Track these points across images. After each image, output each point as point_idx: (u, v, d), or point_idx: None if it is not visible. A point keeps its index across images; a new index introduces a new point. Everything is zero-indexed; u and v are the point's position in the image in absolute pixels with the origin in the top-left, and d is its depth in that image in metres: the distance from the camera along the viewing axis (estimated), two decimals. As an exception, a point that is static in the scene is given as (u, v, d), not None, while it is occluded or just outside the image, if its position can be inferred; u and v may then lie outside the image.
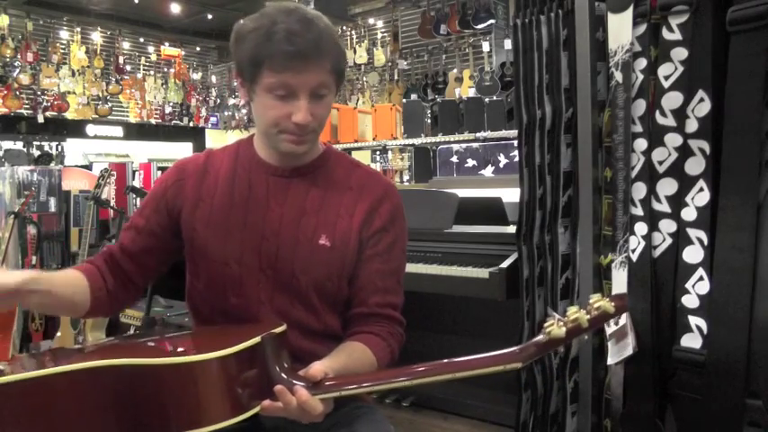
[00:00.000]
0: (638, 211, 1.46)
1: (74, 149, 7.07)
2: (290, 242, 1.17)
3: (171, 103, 8.05)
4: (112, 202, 4.09)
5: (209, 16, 7.52)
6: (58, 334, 2.92)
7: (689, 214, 1.37)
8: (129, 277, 1.25)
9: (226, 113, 8.60)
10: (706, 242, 1.34)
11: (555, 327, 0.92)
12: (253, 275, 1.17)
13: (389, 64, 6.94)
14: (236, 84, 1.21)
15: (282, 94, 1.09)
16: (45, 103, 6.76)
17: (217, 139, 8.47)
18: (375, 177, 1.27)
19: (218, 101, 8.76)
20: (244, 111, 8.08)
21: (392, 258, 1.22)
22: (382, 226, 1.20)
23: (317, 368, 0.97)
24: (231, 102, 8.54)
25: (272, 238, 1.17)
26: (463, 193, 2.61)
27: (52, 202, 4.08)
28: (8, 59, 6.42)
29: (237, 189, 1.21)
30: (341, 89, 1.18)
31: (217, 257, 1.18)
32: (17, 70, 6.49)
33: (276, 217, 1.18)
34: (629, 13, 1.47)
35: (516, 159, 2.92)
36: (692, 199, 1.36)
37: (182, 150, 8.05)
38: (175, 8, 7.12)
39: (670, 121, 1.41)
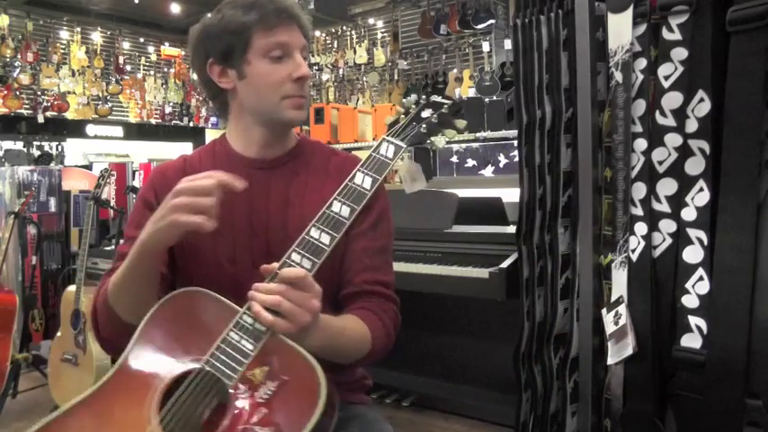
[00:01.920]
0: (638, 211, 1.46)
1: (74, 149, 7.06)
2: (279, 236, 1.15)
3: (171, 103, 8.04)
4: (112, 202, 4.09)
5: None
6: (59, 334, 2.91)
7: (689, 214, 1.37)
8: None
9: (226, 113, 8.57)
10: (706, 242, 1.34)
11: None
12: (247, 273, 1.14)
13: (389, 64, 6.93)
14: (212, 78, 1.19)
15: (278, 55, 1.13)
16: (45, 103, 6.75)
17: (217, 139, 8.44)
18: (353, 161, 1.25)
19: (219, 101, 8.73)
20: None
21: (378, 236, 1.19)
22: (365, 205, 1.19)
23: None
24: (231, 102, 8.50)
25: (262, 234, 1.17)
26: (463, 193, 2.61)
27: (52, 202, 4.08)
28: (8, 59, 6.41)
29: None
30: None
31: (209, 259, 1.16)
32: (17, 70, 6.48)
33: (262, 211, 1.17)
34: (629, 13, 1.47)
35: (516, 159, 2.92)
36: (692, 199, 1.36)
37: (182, 150, 8.02)
38: (175, 8, 7.11)
39: (670, 121, 1.41)
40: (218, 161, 1.23)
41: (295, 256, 0.99)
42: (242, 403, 0.87)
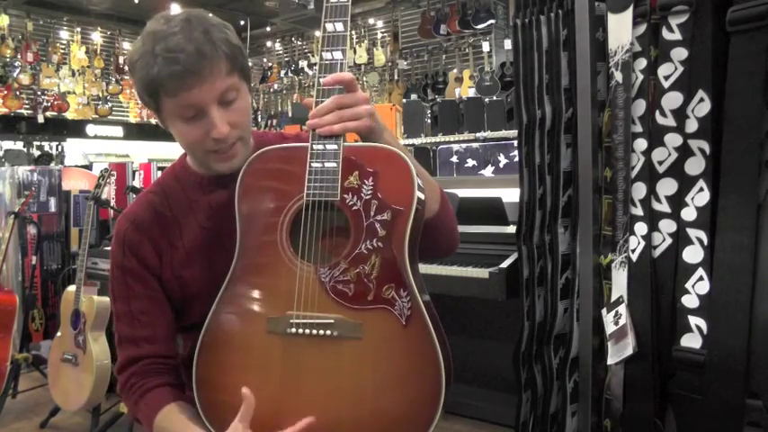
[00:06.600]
0: (638, 211, 1.46)
1: (74, 149, 7.07)
2: None
3: (171, 103, 8.06)
4: (112, 202, 4.08)
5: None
6: (59, 334, 2.91)
7: (689, 214, 1.37)
8: (174, 356, 1.16)
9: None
10: (706, 242, 1.34)
11: None
12: None
13: (389, 64, 6.93)
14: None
15: (191, 115, 1.02)
16: (45, 103, 6.75)
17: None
18: (307, 136, 1.25)
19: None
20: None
21: None
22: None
23: None
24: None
25: None
26: (463, 193, 2.61)
27: (52, 202, 4.08)
28: (8, 59, 6.42)
29: (201, 216, 1.14)
30: (253, 83, 1.12)
31: (209, 290, 1.09)
32: (17, 70, 6.49)
33: None
34: (629, 13, 1.47)
35: (516, 159, 2.92)
36: (692, 199, 1.36)
37: (181, 150, 8.04)
38: (175, 8, 7.12)
39: (670, 121, 1.41)
40: (188, 192, 1.17)
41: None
42: (356, 207, 0.97)
